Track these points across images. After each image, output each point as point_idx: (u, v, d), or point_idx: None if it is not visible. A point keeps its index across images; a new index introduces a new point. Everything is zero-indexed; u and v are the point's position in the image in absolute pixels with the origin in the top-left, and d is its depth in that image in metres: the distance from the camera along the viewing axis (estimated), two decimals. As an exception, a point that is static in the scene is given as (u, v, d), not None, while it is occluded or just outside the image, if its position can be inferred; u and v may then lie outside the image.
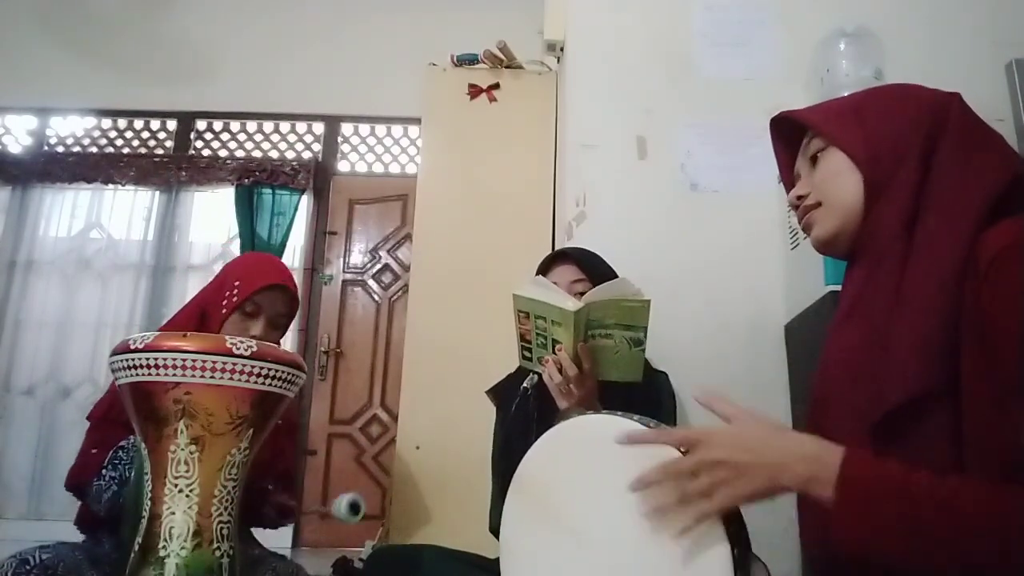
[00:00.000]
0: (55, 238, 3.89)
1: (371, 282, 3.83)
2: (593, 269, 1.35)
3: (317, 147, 4.04)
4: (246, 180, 3.83)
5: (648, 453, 0.76)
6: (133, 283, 3.80)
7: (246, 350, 0.98)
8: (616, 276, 1.35)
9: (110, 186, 3.91)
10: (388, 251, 3.87)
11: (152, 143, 4.06)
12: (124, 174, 3.88)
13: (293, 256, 3.83)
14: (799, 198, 0.88)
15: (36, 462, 3.55)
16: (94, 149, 4.00)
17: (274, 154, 4.02)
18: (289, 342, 3.59)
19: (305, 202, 3.88)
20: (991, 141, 0.78)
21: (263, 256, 1.63)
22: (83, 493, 1.28)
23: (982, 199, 0.72)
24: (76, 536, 1.33)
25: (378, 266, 3.85)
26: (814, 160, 0.86)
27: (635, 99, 1.96)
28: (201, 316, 1.35)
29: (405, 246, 3.81)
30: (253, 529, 1.45)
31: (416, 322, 2.30)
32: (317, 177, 3.90)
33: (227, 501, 0.98)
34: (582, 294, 1.24)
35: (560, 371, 1.18)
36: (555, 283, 1.25)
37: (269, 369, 1.00)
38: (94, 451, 1.28)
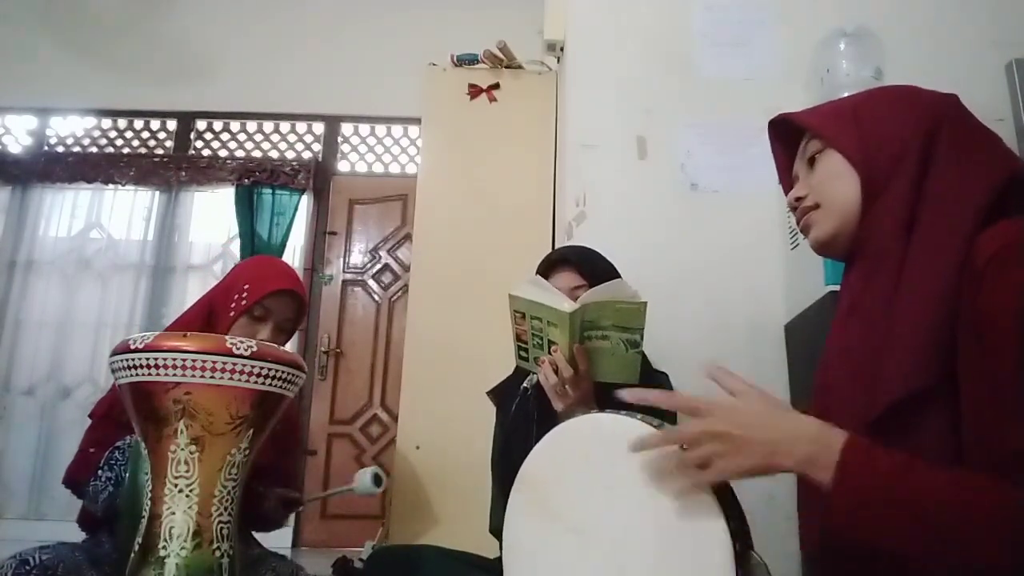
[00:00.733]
0: (55, 238, 3.89)
1: (371, 282, 3.83)
2: (594, 273, 1.33)
3: (317, 147, 4.05)
4: (246, 180, 3.83)
5: (650, 453, 0.76)
6: (133, 283, 3.80)
7: (246, 350, 0.98)
8: (618, 274, 1.35)
9: (110, 186, 3.90)
10: (388, 251, 3.87)
11: (152, 143, 4.06)
12: (124, 174, 3.87)
13: (293, 256, 3.83)
14: (797, 199, 0.88)
15: (36, 462, 3.55)
16: (94, 149, 4.00)
17: (274, 154, 4.02)
18: (289, 342, 3.59)
19: (305, 202, 3.88)
20: (988, 142, 0.78)
21: (273, 260, 1.63)
22: (80, 491, 1.29)
23: (979, 200, 0.72)
24: (77, 536, 1.33)
25: (378, 266, 3.85)
26: (812, 162, 0.87)
27: (635, 99, 1.96)
28: (209, 317, 1.35)
29: (405, 246, 3.81)
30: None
31: (416, 322, 2.30)
32: (317, 177, 3.90)
33: (227, 501, 0.98)
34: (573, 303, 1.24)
35: (556, 372, 1.17)
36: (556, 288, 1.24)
37: (269, 369, 1.00)
38: (92, 450, 1.28)
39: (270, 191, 3.84)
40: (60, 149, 4.00)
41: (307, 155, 4.01)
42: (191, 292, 3.74)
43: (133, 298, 3.77)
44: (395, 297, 3.79)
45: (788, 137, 0.92)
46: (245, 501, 1.05)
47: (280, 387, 1.03)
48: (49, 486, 3.48)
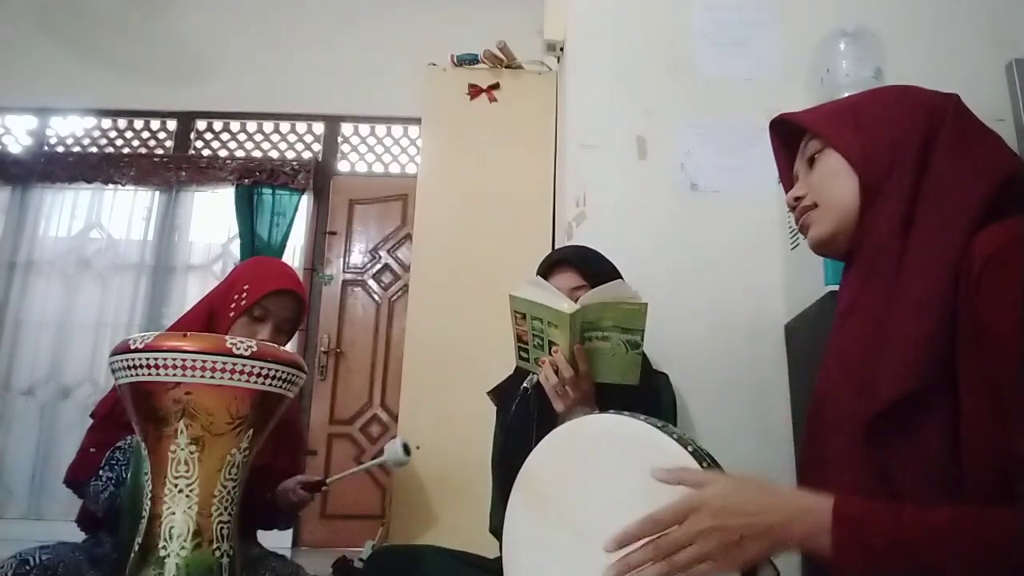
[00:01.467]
0: (55, 238, 3.89)
1: (371, 282, 3.83)
2: (594, 273, 1.33)
3: (317, 147, 4.05)
4: (246, 180, 3.83)
5: (654, 455, 0.76)
6: (133, 283, 3.80)
7: (246, 350, 0.98)
8: (619, 274, 1.35)
9: (110, 186, 3.91)
10: (388, 251, 3.87)
11: (152, 143, 4.06)
12: (124, 174, 3.88)
13: (293, 256, 3.83)
14: (796, 199, 0.88)
15: (36, 462, 3.56)
16: (94, 149, 4.01)
17: (274, 154, 4.02)
18: (289, 342, 3.59)
19: (305, 202, 3.88)
20: (988, 142, 0.78)
21: (273, 261, 1.63)
22: (80, 491, 1.29)
23: (978, 200, 0.72)
24: (76, 535, 1.33)
25: (378, 266, 3.85)
26: (811, 162, 0.87)
27: (635, 99, 1.96)
28: (209, 318, 1.35)
29: (405, 246, 3.81)
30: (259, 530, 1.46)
31: (416, 322, 2.30)
32: (317, 177, 3.90)
33: (227, 501, 0.98)
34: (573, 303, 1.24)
35: (556, 373, 1.17)
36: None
37: (269, 369, 1.00)
38: (93, 450, 1.28)
39: (270, 191, 3.84)
40: (60, 149, 4.00)
41: (307, 155, 4.01)
42: (191, 292, 3.74)
43: (133, 298, 3.77)
44: (395, 297, 3.79)
45: (789, 137, 0.92)
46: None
47: (280, 387, 1.03)
48: (49, 486, 3.48)
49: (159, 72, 4.03)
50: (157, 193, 3.93)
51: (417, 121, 3.34)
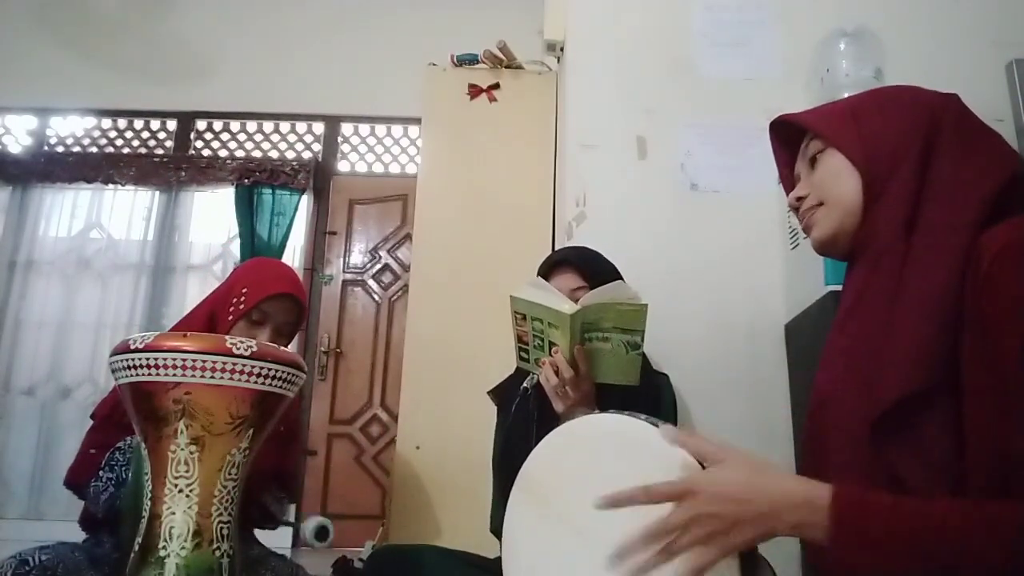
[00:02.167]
0: (55, 238, 3.89)
1: (371, 282, 3.83)
2: (594, 274, 1.33)
3: (317, 147, 4.05)
4: (246, 180, 3.83)
5: (653, 455, 0.76)
6: (133, 283, 3.80)
7: (246, 350, 0.98)
8: (619, 275, 1.35)
9: (110, 186, 3.91)
10: (388, 251, 3.87)
11: (152, 143, 4.06)
12: (124, 174, 3.88)
13: (293, 256, 3.83)
14: (799, 199, 0.88)
15: (36, 462, 3.56)
16: (94, 149, 4.01)
17: (274, 154, 4.02)
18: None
19: (305, 202, 3.88)
20: (990, 141, 0.78)
21: (273, 263, 1.62)
22: (81, 492, 1.29)
23: (980, 198, 0.72)
24: (76, 535, 1.33)
25: (378, 266, 3.85)
26: (813, 162, 0.87)
27: (635, 99, 1.96)
28: (209, 320, 1.35)
29: (405, 246, 3.81)
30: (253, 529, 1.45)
31: (416, 322, 2.30)
32: (317, 177, 3.90)
33: (227, 501, 0.98)
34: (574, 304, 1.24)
35: (557, 373, 1.17)
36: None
37: (269, 369, 1.00)
38: (93, 451, 1.28)
39: (270, 191, 3.84)
40: (60, 149, 4.00)
41: (307, 155, 4.01)
42: (191, 292, 3.74)
43: (133, 298, 3.77)
44: (395, 297, 3.79)
45: (789, 138, 0.92)
46: (247, 501, 1.05)
47: (280, 387, 1.03)
48: (49, 486, 3.48)
49: (159, 72, 4.03)
50: (157, 193, 3.93)
51: (417, 121, 3.34)
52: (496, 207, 2.37)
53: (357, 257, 3.87)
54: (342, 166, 4.04)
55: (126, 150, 4.03)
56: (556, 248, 2.11)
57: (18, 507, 3.51)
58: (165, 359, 0.95)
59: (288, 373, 1.04)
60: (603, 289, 1.17)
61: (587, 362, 1.18)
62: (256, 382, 0.99)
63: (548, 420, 1.22)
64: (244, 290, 1.35)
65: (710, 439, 0.73)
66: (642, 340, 1.17)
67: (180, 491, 0.95)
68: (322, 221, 3.91)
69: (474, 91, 2.49)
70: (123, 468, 1.23)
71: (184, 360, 0.95)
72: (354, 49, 4.02)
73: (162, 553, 0.93)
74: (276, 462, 1.40)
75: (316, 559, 2.54)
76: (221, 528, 0.97)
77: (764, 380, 1.75)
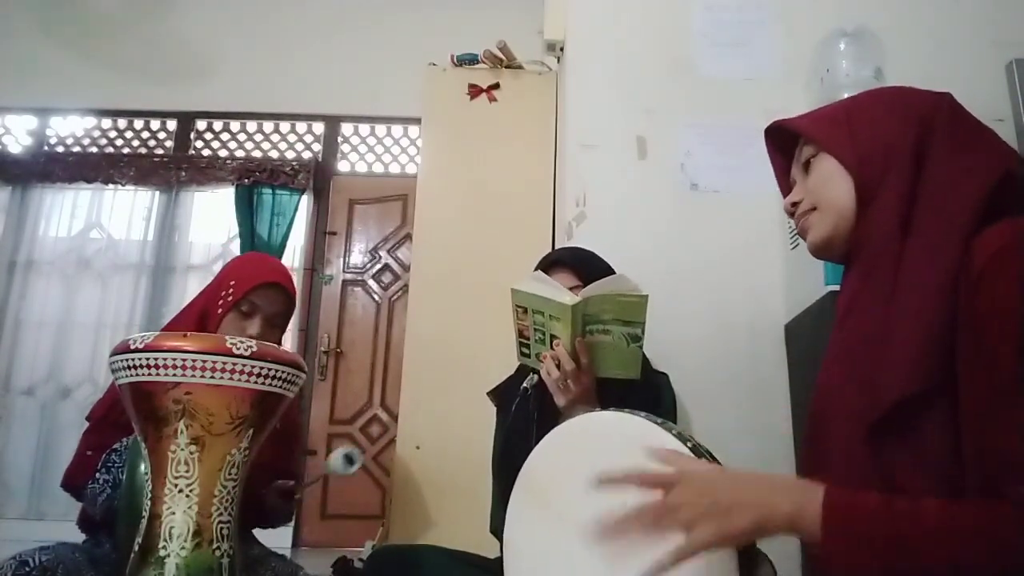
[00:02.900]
0: (55, 238, 3.89)
1: (371, 282, 3.83)
2: (590, 273, 1.34)
3: (317, 147, 4.05)
4: (246, 180, 3.83)
5: (651, 452, 0.76)
6: (133, 283, 3.80)
7: (246, 350, 0.98)
8: (614, 273, 1.35)
9: (110, 186, 3.91)
10: (388, 251, 3.87)
11: (152, 143, 4.06)
12: (124, 174, 3.88)
13: (293, 256, 3.83)
14: (793, 204, 0.89)
15: (36, 462, 3.56)
16: (94, 149, 4.01)
17: (274, 154, 4.02)
18: (289, 342, 3.60)
19: (305, 202, 3.88)
20: (983, 140, 0.78)
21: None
22: (78, 493, 1.29)
23: (974, 198, 0.72)
24: (76, 536, 1.33)
25: (378, 266, 3.85)
26: (807, 166, 0.87)
27: (635, 99, 1.96)
28: (200, 317, 1.35)
29: (405, 246, 3.81)
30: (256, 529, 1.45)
31: (416, 322, 2.30)
32: (317, 177, 3.90)
33: (227, 501, 0.98)
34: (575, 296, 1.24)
35: (558, 366, 1.17)
36: None
37: (269, 369, 1.00)
38: (89, 453, 1.28)
39: (270, 191, 3.84)
40: (60, 149, 4.00)
41: (307, 155, 4.01)
42: (191, 292, 3.74)
43: (133, 298, 3.77)
44: (395, 297, 3.79)
45: (784, 144, 0.93)
46: (247, 502, 1.05)
47: (280, 387, 1.03)
48: (49, 486, 3.48)
49: (159, 72, 4.03)
50: (157, 193, 3.93)
51: (417, 121, 3.34)
52: (496, 207, 2.37)
53: (357, 257, 3.87)
54: (342, 166, 4.04)
55: (126, 150, 4.03)
56: (555, 248, 2.11)
57: (18, 507, 3.51)
58: (165, 359, 0.95)
59: (288, 373, 1.04)
60: (604, 281, 1.17)
61: (588, 354, 1.18)
62: (256, 382, 0.99)
63: (548, 420, 1.22)
64: (232, 283, 1.36)
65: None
66: (643, 332, 1.17)
67: (180, 491, 0.95)
68: (322, 221, 3.91)
69: (474, 91, 2.49)
70: (119, 470, 1.23)
71: (184, 360, 0.95)
72: (354, 49, 4.02)
73: (162, 553, 0.93)
74: (277, 460, 1.40)
75: (316, 559, 2.54)
76: (221, 528, 0.97)
77: (764, 380, 1.75)
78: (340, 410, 3.66)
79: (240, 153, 4.03)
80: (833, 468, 0.77)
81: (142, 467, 1.01)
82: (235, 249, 3.84)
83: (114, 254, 3.87)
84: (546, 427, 0.95)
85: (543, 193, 2.38)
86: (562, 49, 2.25)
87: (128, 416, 1.02)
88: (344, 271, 3.84)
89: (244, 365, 0.98)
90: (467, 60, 2.54)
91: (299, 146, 4.05)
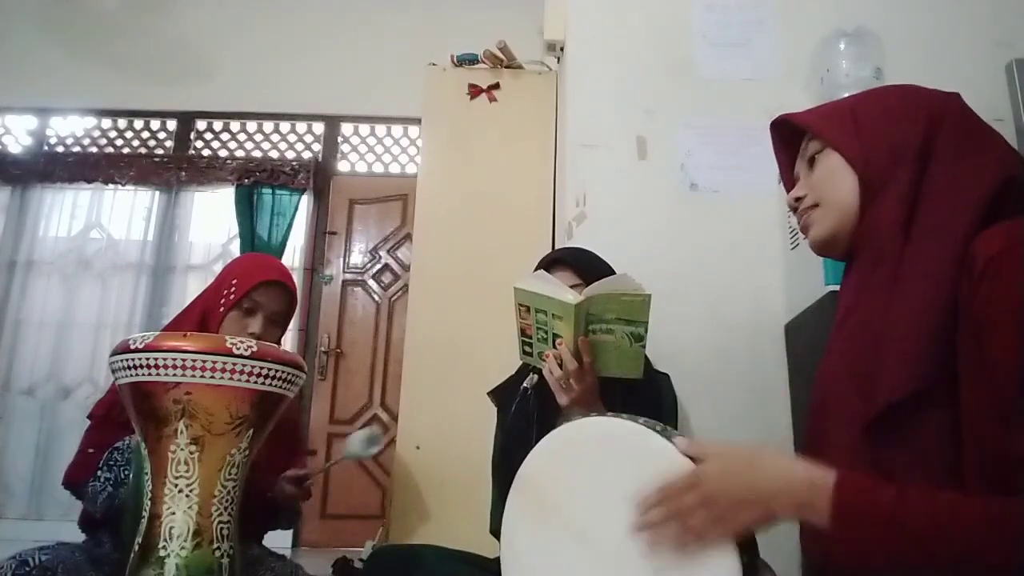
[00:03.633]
0: (55, 238, 3.89)
1: (371, 282, 3.83)
2: (590, 272, 1.34)
3: (317, 147, 4.05)
4: (246, 180, 3.83)
5: (650, 458, 0.76)
6: (133, 283, 3.80)
7: (246, 350, 0.98)
8: (614, 272, 1.35)
9: (110, 186, 3.91)
10: (388, 251, 3.87)
11: (152, 143, 4.06)
12: (124, 174, 3.88)
13: (293, 256, 3.83)
14: (797, 199, 0.89)
15: (36, 462, 3.55)
16: (94, 149, 4.00)
17: (274, 154, 4.02)
18: (289, 342, 3.60)
19: (305, 202, 3.88)
20: (989, 142, 0.77)
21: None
22: (79, 492, 1.29)
23: (977, 200, 0.72)
24: (76, 536, 1.33)
25: (378, 266, 3.85)
26: (812, 162, 0.87)
27: (635, 99, 1.96)
28: (202, 316, 1.35)
29: (405, 246, 3.81)
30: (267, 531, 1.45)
31: (416, 322, 2.30)
32: (317, 177, 3.90)
33: (227, 501, 0.98)
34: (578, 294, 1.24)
35: (560, 365, 1.17)
36: None
37: (269, 369, 1.00)
38: (91, 451, 1.28)
39: (270, 191, 3.84)
40: (60, 149, 4.00)
41: (307, 155, 4.01)
42: (191, 292, 3.74)
43: (133, 298, 3.77)
44: (395, 297, 3.79)
45: (789, 138, 0.92)
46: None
47: (280, 387, 1.03)
48: (49, 486, 3.48)
49: (159, 72, 4.03)
50: (157, 193, 3.93)
51: (417, 121, 3.34)
52: (496, 207, 2.37)
53: (357, 257, 3.87)
54: (342, 166, 4.03)
55: (126, 150, 4.02)
56: (555, 248, 2.11)
57: (18, 507, 3.50)
58: (165, 359, 0.95)
59: (288, 373, 1.04)
60: (607, 280, 1.17)
61: (591, 353, 1.17)
62: (256, 382, 0.99)
63: (548, 421, 1.22)
64: (234, 281, 1.36)
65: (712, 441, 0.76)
66: (646, 332, 1.17)
67: (180, 491, 0.95)
68: (322, 221, 3.91)
69: (474, 91, 2.49)
70: (121, 468, 1.23)
71: (184, 360, 0.95)
72: (354, 49, 4.02)
73: (162, 553, 0.93)
74: (276, 461, 1.40)
75: (316, 559, 2.54)
76: (221, 528, 0.97)
77: (764, 380, 1.75)
78: (340, 410, 3.66)
79: (240, 153, 4.02)
80: (833, 467, 0.77)
81: (146, 467, 1.01)
82: (235, 249, 3.84)
83: (114, 254, 3.87)
84: (546, 427, 0.95)
85: (543, 193, 2.38)
86: (562, 49, 2.25)
87: (130, 416, 1.02)
88: (344, 271, 3.84)
89: (244, 365, 0.98)
90: (467, 60, 2.54)
91: (299, 146, 4.05)
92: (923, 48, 1.89)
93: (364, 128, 4.09)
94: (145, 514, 0.97)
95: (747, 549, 0.72)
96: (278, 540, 2.09)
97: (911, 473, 0.69)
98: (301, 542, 3.45)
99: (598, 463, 0.82)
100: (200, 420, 0.96)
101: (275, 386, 1.02)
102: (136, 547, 0.96)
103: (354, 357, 3.71)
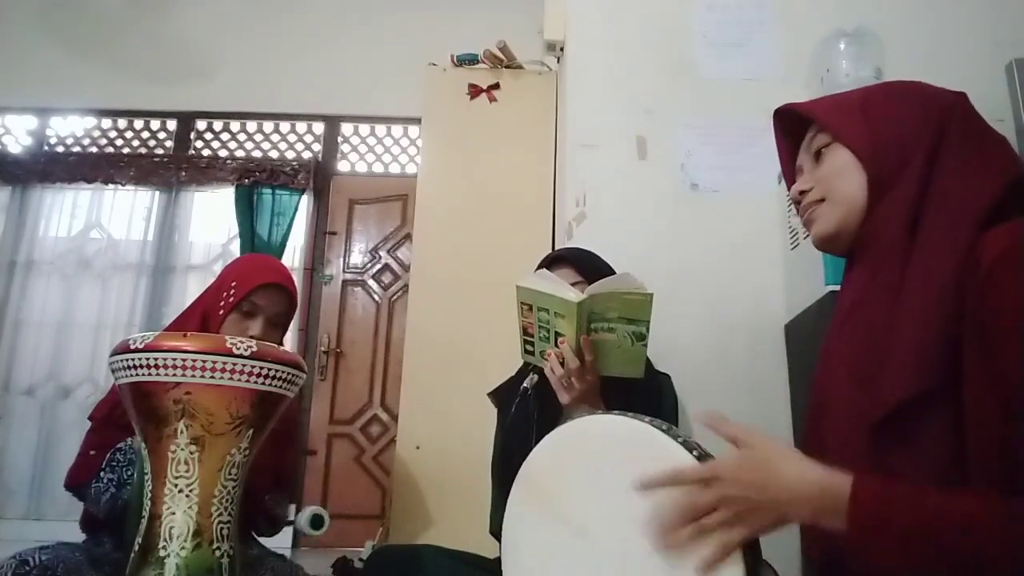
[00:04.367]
0: (55, 238, 3.89)
1: (371, 282, 3.83)
2: (591, 270, 1.34)
3: (317, 147, 4.05)
4: (246, 180, 3.83)
5: (653, 456, 0.76)
6: (133, 283, 3.80)
7: (246, 350, 0.98)
8: (614, 272, 1.35)
9: (110, 186, 3.91)
10: (388, 251, 3.87)
11: (152, 143, 4.06)
12: (124, 174, 3.88)
13: (293, 256, 3.83)
14: (801, 193, 0.87)
15: (36, 462, 3.55)
16: (94, 149, 4.00)
17: (274, 154, 4.02)
18: (289, 342, 3.59)
19: (305, 202, 3.88)
20: (995, 143, 0.77)
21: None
22: (81, 493, 1.29)
23: (984, 201, 0.72)
24: (76, 536, 1.33)
25: (378, 266, 3.85)
26: (818, 155, 0.85)
27: (635, 99, 1.96)
28: (202, 318, 1.35)
29: (405, 246, 3.81)
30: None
31: (416, 322, 2.30)
32: (317, 177, 3.90)
33: (227, 501, 0.98)
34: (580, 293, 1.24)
35: (562, 364, 1.17)
36: None
37: (269, 369, 1.00)
38: (92, 453, 1.28)
39: (270, 191, 3.84)
40: (60, 149, 4.00)
41: (307, 155, 4.01)
42: (191, 292, 3.74)
43: (133, 298, 3.77)
44: (395, 297, 3.79)
45: (792, 128, 0.91)
46: (248, 506, 1.04)
47: (280, 387, 1.03)
48: (49, 486, 3.48)
49: (159, 72, 4.03)
50: (157, 193, 3.93)
51: (417, 121, 3.34)
52: (496, 207, 2.37)
53: (357, 257, 3.87)
54: (342, 166, 4.03)
55: (126, 150, 4.02)
56: (556, 248, 2.11)
57: (18, 507, 3.50)
58: (165, 359, 0.95)
59: (288, 373, 1.04)
60: (609, 279, 1.17)
61: (593, 352, 1.17)
62: (256, 382, 0.99)
63: (548, 421, 1.22)
64: (233, 283, 1.36)
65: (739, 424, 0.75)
66: (647, 331, 1.17)
67: (180, 491, 0.96)
68: (322, 221, 3.91)
69: (474, 91, 2.49)
70: (124, 469, 1.23)
71: (184, 360, 0.95)
72: (354, 49, 4.02)
73: (162, 553, 0.93)
74: (274, 462, 1.40)
75: (316, 559, 2.54)
76: (221, 528, 0.97)
77: (764, 380, 1.75)
78: (340, 410, 3.66)
79: (240, 153, 4.03)
80: (834, 466, 0.77)
81: (146, 467, 1.01)
82: (235, 249, 3.83)
83: (114, 254, 3.87)
84: (546, 428, 0.95)
85: (543, 193, 2.38)
86: (562, 49, 2.25)
87: (130, 416, 1.02)
88: (344, 271, 3.84)
89: (244, 365, 0.98)
90: (467, 60, 2.54)
91: (299, 146, 4.05)
92: (923, 48, 1.89)
93: (364, 128, 4.09)
94: (145, 514, 0.97)
95: (751, 547, 0.72)
96: (278, 540, 2.09)
97: (914, 473, 0.69)
98: (301, 542, 3.45)
99: (602, 461, 0.82)
100: (200, 420, 0.96)
101: (275, 386, 1.02)
102: (136, 547, 0.96)
103: (354, 357, 3.71)
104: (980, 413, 0.66)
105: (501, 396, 1.42)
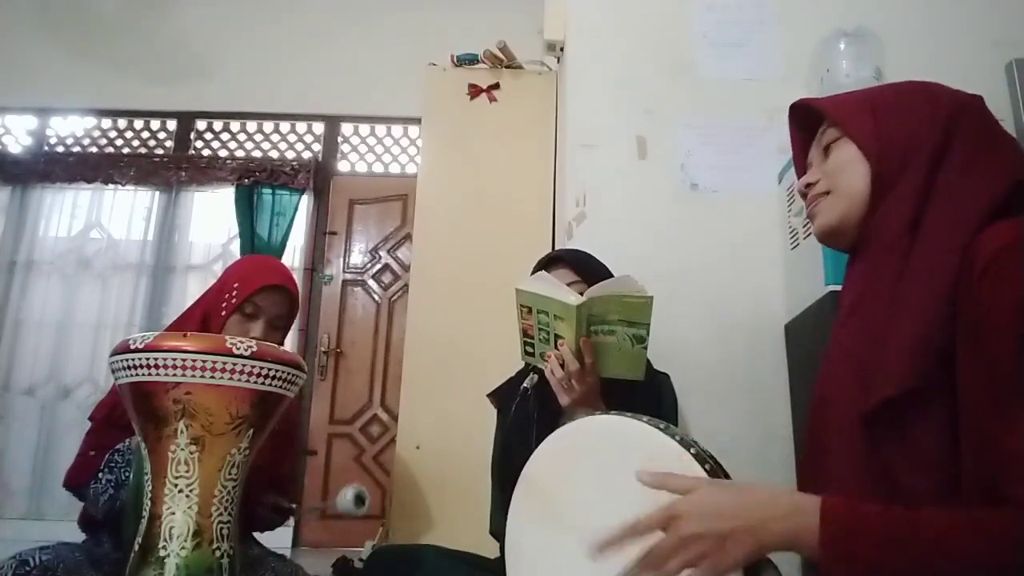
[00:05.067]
0: (55, 238, 3.89)
1: (371, 282, 3.83)
2: (588, 271, 1.35)
3: (317, 147, 4.05)
4: (246, 180, 3.83)
5: (655, 456, 0.76)
6: (133, 283, 3.80)
7: (246, 350, 0.98)
8: (611, 273, 1.35)
9: (110, 186, 3.91)
10: (388, 251, 3.87)
11: (152, 143, 4.06)
12: (124, 174, 3.88)
13: (293, 256, 3.83)
14: (808, 185, 0.88)
15: (36, 462, 3.55)
16: (94, 149, 4.01)
17: (274, 154, 4.02)
18: (289, 342, 3.58)
19: (305, 202, 3.88)
20: (1003, 145, 0.78)
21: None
22: (80, 494, 1.29)
23: (985, 201, 0.72)
24: (77, 536, 1.33)
25: (378, 266, 3.85)
26: (827, 150, 0.87)
27: (635, 99, 1.96)
28: (203, 319, 1.35)
29: (405, 246, 3.81)
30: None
31: (416, 322, 2.30)
32: (317, 177, 3.90)
33: (227, 501, 0.99)
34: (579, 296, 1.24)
35: (562, 366, 1.18)
36: None
37: (269, 369, 1.00)
38: (92, 453, 1.28)
39: (270, 191, 3.84)
40: (60, 149, 4.00)
41: (307, 155, 4.01)
42: (191, 292, 3.74)
43: (133, 298, 3.77)
44: (395, 297, 3.79)
45: (807, 124, 0.92)
46: (254, 503, 1.04)
47: (280, 387, 1.03)
48: (49, 486, 3.48)
49: (159, 72, 4.03)
50: (157, 193, 3.93)
51: (417, 121, 3.34)
52: (496, 207, 2.37)
53: (357, 257, 3.87)
54: (342, 166, 4.04)
55: (126, 150, 4.03)
56: (554, 248, 2.11)
57: (18, 507, 3.51)
58: (165, 359, 0.95)
59: (288, 373, 1.04)
60: (609, 281, 1.17)
61: (592, 354, 1.18)
62: (256, 382, 0.99)
63: (548, 422, 1.22)
64: (235, 285, 1.36)
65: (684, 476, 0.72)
66: (647, 333, 1.17)
67: (180, 491, 0.96)
68: (322, 221, 3.91)
69: (474, 91, 2.49)
70: (123, 469, 1.23)
71: (184, 360, 0.95)
72: (354, 49, 4.02)
73: (162, 553, 0.93)
74: (274, 462, 1.40)
75: (316, 559, 2.54)
76: (221, 528, 0.97)
77: (764, 380, 1.75)
78: (340, 410, 3.66)
79: (240, 153, 4.03)
80: (832, 466, 0.77)
81: (146, 467, 1.01)
82: (235, 249, 3.84)
83: (114, 254, 3.87)
84: (546, 428, 0.95)
85: (543, 193, 2.38)
86: (562, 49, 2.25)
87: (130, 416, 1.02)
88: (344, 271, 3.84)
89: (244, 365, 0.98)
90: (467, 60, 2.54)
91: (299, 146, 4.05)
92: (923, 48, 1.89)
93: (364, 128, 4.09)
94: (145, 514, 0.97)
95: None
96: (278, 540, 2.09)
97: (908, 471, 0.69)
98: (301, 542, 3.45)
99: (602, 461, 0.82)
100: (200, 420, 0.96)
101: (275, 386, 1.02)
102: (136, 547, 0.96)
103: (354, 357, 3.71)
104: (971, 411, 0.66)
105: (501, 397, 1.42)
